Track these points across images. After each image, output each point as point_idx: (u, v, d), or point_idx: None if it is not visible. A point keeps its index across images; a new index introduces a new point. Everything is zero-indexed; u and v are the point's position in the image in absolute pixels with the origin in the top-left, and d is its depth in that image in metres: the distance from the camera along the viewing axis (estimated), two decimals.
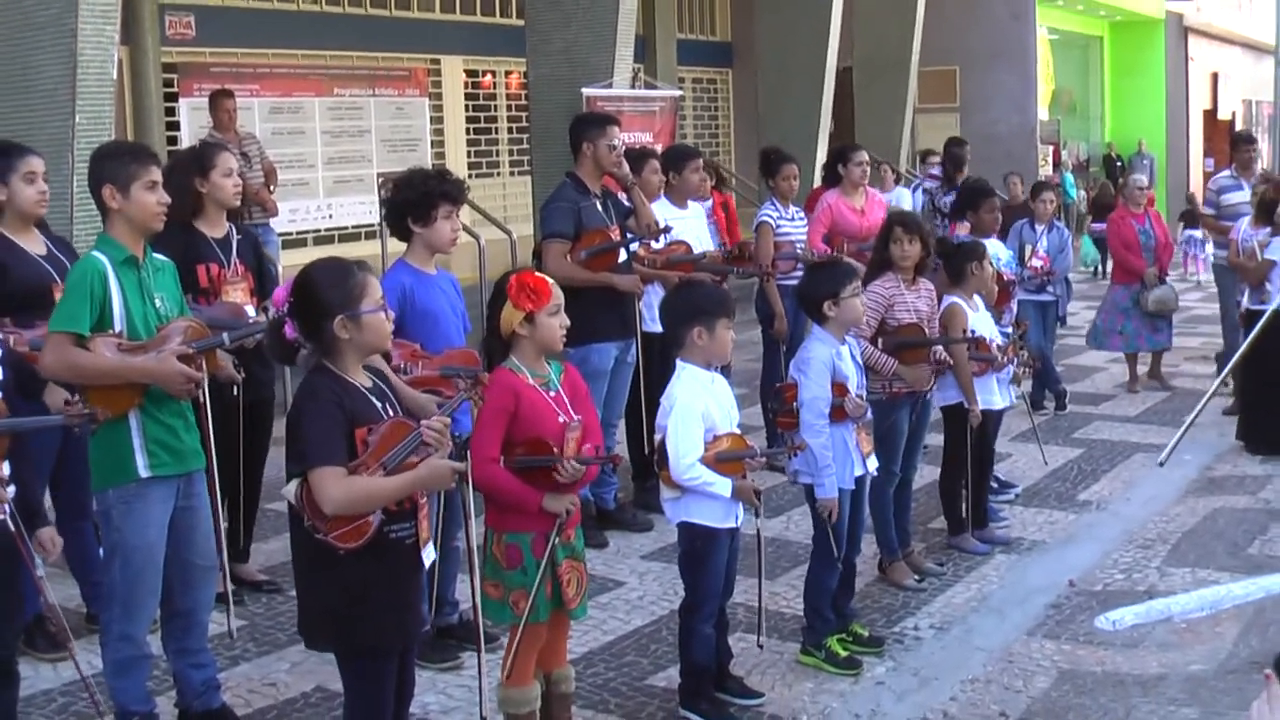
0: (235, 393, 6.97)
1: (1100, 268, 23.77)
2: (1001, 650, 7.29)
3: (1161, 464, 10.33)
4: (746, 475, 6.22)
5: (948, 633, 7.54)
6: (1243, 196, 13.83)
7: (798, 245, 10.71)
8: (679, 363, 6.26)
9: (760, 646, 6.85)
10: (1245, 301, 11.91)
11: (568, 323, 5.63)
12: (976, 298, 8.84)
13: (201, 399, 5.92)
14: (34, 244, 6.77)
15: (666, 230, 9.35)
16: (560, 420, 5.52)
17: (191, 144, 12.86)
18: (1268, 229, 11.85)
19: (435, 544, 5.13)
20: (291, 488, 4.68)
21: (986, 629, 7.60)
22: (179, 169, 7.30)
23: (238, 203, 7.52)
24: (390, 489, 4.69)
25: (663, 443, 6.12)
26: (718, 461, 6.09)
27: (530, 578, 5.46)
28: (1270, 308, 10.55)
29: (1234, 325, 13.27)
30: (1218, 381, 11.54)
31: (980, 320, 8.76)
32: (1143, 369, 14.52)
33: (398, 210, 6.91)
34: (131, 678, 5.89)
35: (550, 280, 5.59)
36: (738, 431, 6.33)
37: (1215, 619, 7.66)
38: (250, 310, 7.22)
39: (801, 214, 11.06)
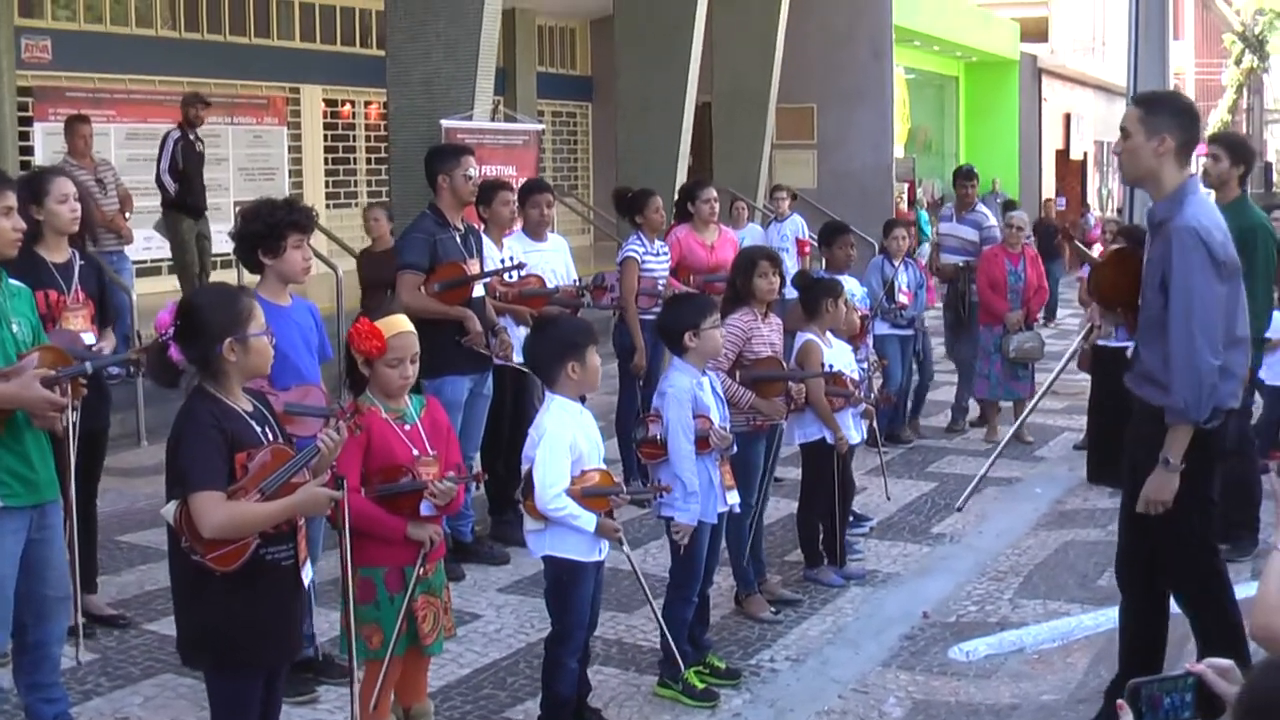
0: (68, 422, 6.72)
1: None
2: (857, 681, 7.33)
3: (959, 509, 10.67)
4: (612, 513, 6.23)
5: (803, 664, 7.57)
6: (964, 231, 14.10)
7: (659, 281, 10.76)
8: (548, 394, 6.26)
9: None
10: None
11: (411, 375, 5.66)
12: (830, 334, 8.92)
13: (66, 425, 5.83)
14: None
15: (520, 266, 9.36)
16: (413, 454, 5.51)
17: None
18: None
19: (312, 564, 5.12)
20: (170, 509, 4.67)
21: (842, 660, 7.64)
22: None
23: (75, 229, 7.31)
24: (267, 514, 4.70)
25: (529, 473, 6.11)
26: (584, 496, 6.08)
27: (383, 612, 5.47)
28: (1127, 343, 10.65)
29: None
30: (1032, 406, 11.78)
31: (835, 355, 8.83)
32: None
33: (247, 243, 6.77)
34: None
35: (390, 335, 5.58)
36: (605, 468, 6.34)
37: (1066, 649, 7.79)
38: (89, 338, 7.09)
39: (666, 249, 11.10)
